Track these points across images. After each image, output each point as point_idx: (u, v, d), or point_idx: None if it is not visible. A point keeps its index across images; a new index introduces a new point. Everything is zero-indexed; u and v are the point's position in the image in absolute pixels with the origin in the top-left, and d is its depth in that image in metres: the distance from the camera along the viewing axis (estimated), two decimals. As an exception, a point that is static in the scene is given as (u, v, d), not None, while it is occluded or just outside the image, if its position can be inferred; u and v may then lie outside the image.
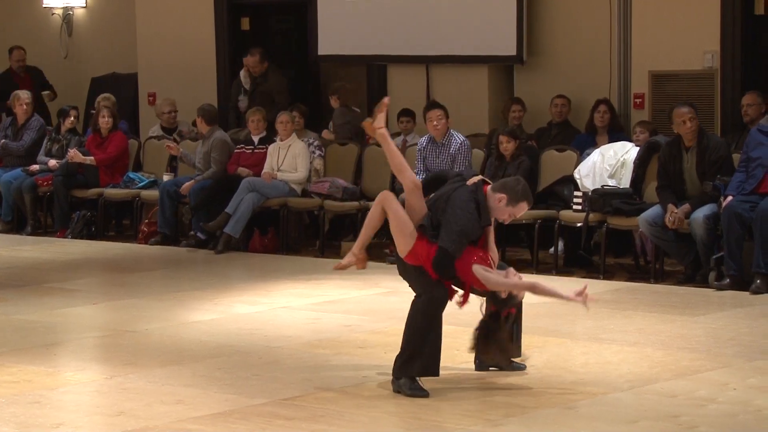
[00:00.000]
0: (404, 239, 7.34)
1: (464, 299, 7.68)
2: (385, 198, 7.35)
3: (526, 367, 7.91)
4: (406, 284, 9.36)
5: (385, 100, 8.11)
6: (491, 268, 7.51)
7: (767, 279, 10.10)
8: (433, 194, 7.76)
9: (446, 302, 7.63)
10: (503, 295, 7.49)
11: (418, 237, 7.34)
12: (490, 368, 7.84)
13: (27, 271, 11.94)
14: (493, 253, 7.54)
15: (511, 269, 7.82)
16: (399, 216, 7.22)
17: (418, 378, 7.39)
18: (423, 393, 7.26)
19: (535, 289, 7.52)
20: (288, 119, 13.01)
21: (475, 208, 7.36)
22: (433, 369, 7.50)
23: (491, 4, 14.18)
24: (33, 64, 17.56)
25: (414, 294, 7.77)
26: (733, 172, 10.58)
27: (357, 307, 10.20)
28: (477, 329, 7.57)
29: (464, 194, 7.48)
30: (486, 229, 7.55)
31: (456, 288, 7.77)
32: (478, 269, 7.35)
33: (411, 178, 7.42)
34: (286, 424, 6.82)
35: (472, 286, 7.60)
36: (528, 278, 7.92)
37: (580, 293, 7.04)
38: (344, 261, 7.99)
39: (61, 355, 8.66)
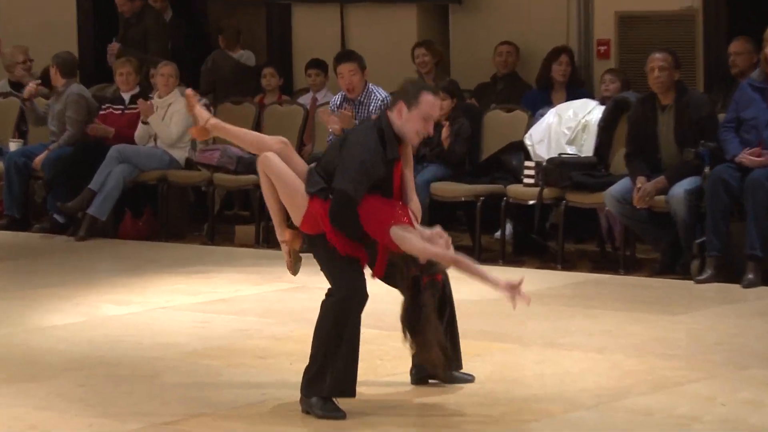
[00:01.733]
0: (295, 202, 7.26)
1: (378, 266, 7.54)
2: (263, 161, 7.23)
3: (474, 379, 7.81)
4: (317, 277, 9.43)
5: (189, 91, 7.88)
6: (412, 224, 7.37)
7: (761, 266, 10.05)
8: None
9: (364, 300, 7.42)
10: (422, 262, 7.47)
11: (311, 196, 7.38)
12: (429, 381, 7.72)
13: None
14: (415, 205, 7.45)
15: (438, 230, 7.44)
16: (283, 177, 7.14)
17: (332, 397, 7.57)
18: (338, 414, 7.19)
19: (459, 264, 7.36)
20: (171, 71, 12.97)
21: (377, 139, 7.31)
22: (348, 388, 7.42)
23: None
24: None
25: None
26: (714, 134, 10.51)
27: (255, 307, 10.10)
28: (403, 315, 7.32)
29: (363, 128, 7.59)
30: (403, 175, 7.46)
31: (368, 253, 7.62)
32: (395, 230, 7.16)
33: (272, 141, 7.36)
34: None
35: (390, 250, 7.52)
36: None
37: (514, 287, 6.89)
38: (287, 258, 7.82)
39: None
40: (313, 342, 7.48)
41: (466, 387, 7.81)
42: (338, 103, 12.09)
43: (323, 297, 7.60)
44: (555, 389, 7.34)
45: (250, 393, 7.80)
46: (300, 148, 12.79)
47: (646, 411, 7.16)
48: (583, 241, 12.15)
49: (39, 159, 12.79)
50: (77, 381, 8.02)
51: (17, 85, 14.53)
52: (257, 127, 13.05)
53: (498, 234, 11.65)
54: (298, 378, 7.50)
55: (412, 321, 7.43)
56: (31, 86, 13.36)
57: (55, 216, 12.60)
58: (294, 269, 7.85)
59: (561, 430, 6.90)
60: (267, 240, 12.49)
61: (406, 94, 7.34)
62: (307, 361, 7.51)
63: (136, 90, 13.11)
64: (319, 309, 7.47)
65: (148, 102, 12.71)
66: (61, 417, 7.24)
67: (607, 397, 7.20)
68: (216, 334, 9.27)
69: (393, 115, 7.30)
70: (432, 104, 7.32)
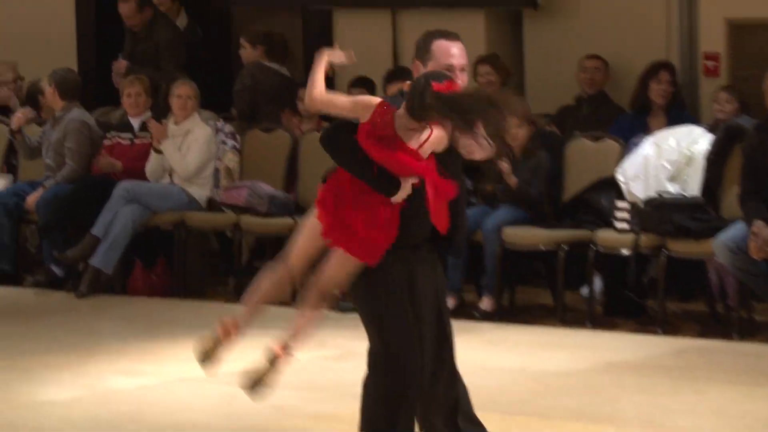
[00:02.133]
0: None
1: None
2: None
3: None
4: (365, 342, 9.50)
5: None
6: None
7: None
8: None
9: (416, 363, 7.17)
10: None
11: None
12: None
13: None
14: None
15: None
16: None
17: None
18: None
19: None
20: (189, 92, 12.89)
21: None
22: None
23: None
24: None
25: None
26: None
27: (292, 379, 9.69)
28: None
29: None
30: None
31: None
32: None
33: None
34: None
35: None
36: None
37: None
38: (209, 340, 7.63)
39: None
40: (360, 423, 7.29)
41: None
42: None
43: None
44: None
45: None
46: None
47: None
48: (689, 300, 11.89)
49: (32, 199, 12.74)
50: None
51: (4, 109, 14.55)
52: (293, 160, 13.02)
53: (585, 290, 11.43)
54: None
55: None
56: (19, 115, 13.36)
57: (52, 267, 12.55)
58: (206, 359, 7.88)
59: None
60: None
61: (419, 50, 7.31)
62: None
63: (148, 114, 13.00)
64: (362, 386, 7.27)
65: (162, 123, 12.63)
66: None
67: None
68: (245, 411, 9.03)
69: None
70: (445, 49, 7.26)
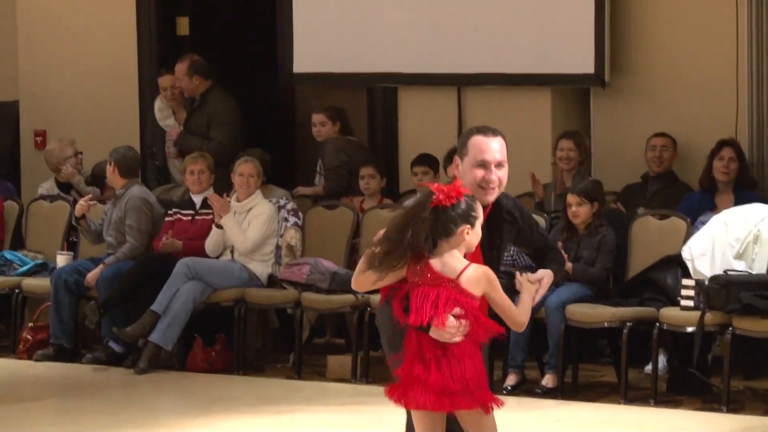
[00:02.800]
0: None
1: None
2: None
3: None
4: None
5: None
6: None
7: None
8: None
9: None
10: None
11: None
12: None
13: None
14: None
15: None
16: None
17: None
18: None
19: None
20: (252, 170, 12.92)
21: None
22: None
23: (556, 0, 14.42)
24: None
25: None
26: None
27: None
28: None
29: None
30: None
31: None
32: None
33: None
34: None
35: None
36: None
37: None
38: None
39: None
40: None
41: None
42: None
43: None
44: None
45: None
46: None
47: None
48: (755, 378, 11.75)
49: (92, 276, 12.76)
50: None
51: (66, 186, 14.66)
52: (355, 236, 13.09)
53: (649, 368, 11.36)
54: None
55: None
56: (82, 203, 13.33)
57: (111, 344, 12.54)
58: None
59: None
60: (366, 374, 12.35)
61: (459, 146, 7.64)
62: None
63: (210, 191, 13.04)
64: None
65: (225, 197, 12.67)
66: None
67: None
68: None
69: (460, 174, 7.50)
70: (480, 145, 7.51)
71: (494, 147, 7.74)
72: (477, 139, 7.52)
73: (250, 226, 12.90)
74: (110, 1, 16.75)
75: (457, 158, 7.51)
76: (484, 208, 7.43)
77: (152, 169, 15.39)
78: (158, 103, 15.16)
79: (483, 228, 7.30)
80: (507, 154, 8.98)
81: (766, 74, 13.49)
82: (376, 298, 12.10)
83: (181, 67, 14.69)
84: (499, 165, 7.67)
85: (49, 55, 16.54)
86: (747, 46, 13.50)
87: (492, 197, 7.65)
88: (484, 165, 7.47)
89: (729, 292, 10.83)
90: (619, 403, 11.02)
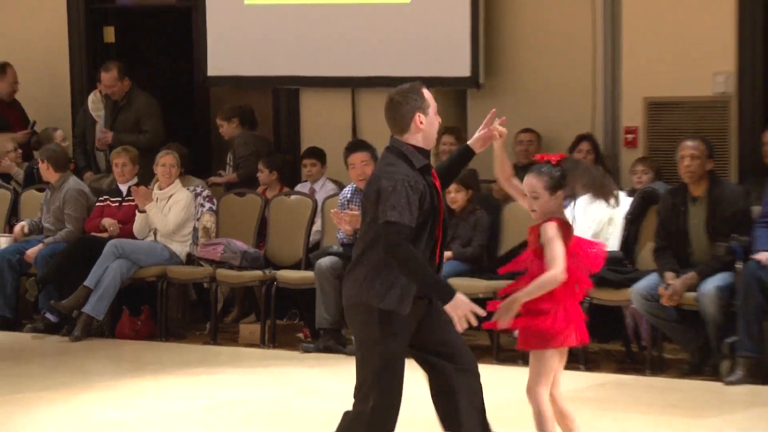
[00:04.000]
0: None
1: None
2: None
3: None
4: (332, 380, 10.49)
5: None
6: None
7: None
8: None
9: (394, 423, 7.42)
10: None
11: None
12: None
13: None
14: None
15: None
16: None
17: None
18: None
19: None
20: (172, 161, 13.06)
21: (403, 164, 7.36)
22: None
23: (436, 11, 14.16)
24: None
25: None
26: (748, 229, 10.58)
27: (263, 413, 10.03)
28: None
29: (383, 166, 7.50)
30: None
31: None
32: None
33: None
34: None
35: None
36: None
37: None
38: None
39: None
40: None
41: None
42: (348, 196, 12.27)
43: (345, 403, 7.56)
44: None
45: None
46: (308, 242, 12.95)
47: None
48: (608, 341, 12.00)
49: (32, 252, 12.82)
50: None
51: (5, 177, 14.58)
52: (263, 220, 13.15)
53: (516, 333, 11.42)
54: None
55: None
56: (17, 229, 13.23)
57: (48, 315, 12.61)
58: None
59: None
60: (273, 339, 12.47)
61: (414, 102, 7.35)
62: None
63: (134, 180, 13.14)
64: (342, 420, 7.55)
65: (147, 188, 12.73)
66: None
67: None
68: None
69: (410, 135, 7.32)
70: (430, 95, 7.56)
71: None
72: (427, 91, 7.41)
73: (171, 211, 12.96)
74: (45, 15, 16.33)
75: (419, 114, 7.19)
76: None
77: (80, 153, 15.12)
78: (92, 97, 14.99)
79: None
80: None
81: (618, 76, 13.52)
82: (282, 274, 12.72)
83: (110, 74, 14.61)
84: None
85: None
86: (602, 51, 13.56)
87: None
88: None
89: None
90: (492, 363, 11.07)
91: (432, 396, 7.48)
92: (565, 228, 7.65)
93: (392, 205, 7.11)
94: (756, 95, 13.30)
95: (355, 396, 7.46)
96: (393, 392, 7.33)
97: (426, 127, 7.35)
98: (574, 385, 10.39)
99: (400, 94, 7.44)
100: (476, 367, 7.54)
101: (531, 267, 7.70)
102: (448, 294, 7.25)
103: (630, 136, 13.42)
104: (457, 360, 7.50)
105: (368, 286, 7.30)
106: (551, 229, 7.47)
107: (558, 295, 7.61)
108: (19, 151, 14.95)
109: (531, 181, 7.73)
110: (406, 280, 7.31)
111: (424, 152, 7.41)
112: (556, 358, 7.70)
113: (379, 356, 7.30)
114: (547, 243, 7.53)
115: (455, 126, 13.75)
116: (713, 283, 10.20)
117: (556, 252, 7.48)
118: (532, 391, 7.69)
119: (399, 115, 7.38)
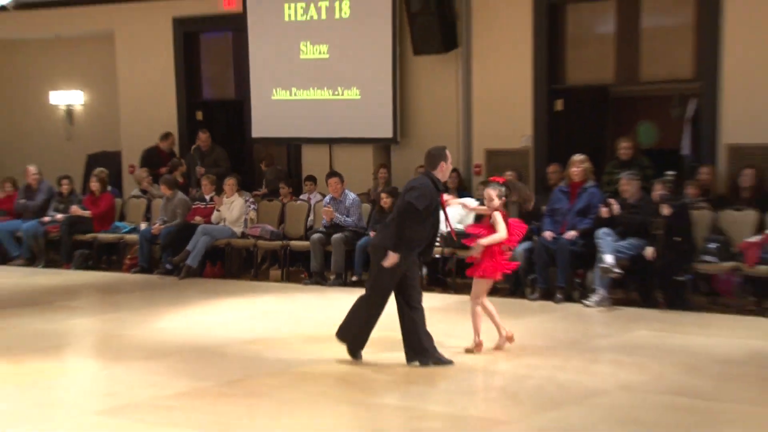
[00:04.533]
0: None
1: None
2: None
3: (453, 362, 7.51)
4: (313, 303, 10.31)
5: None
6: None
7: (565, 292, 10.09)
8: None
9: (382, 309, 7.47)
10: None
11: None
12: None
13: (40, 293, 11.67)
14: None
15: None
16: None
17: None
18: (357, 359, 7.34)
19: None
20: (233, 182, 13.03)
21: (430, 182, 7.31)
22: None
23: (374, 102, 13.78)
24: (44, 144, 17.28)
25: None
26: (540, 219, 10.48)
27: (282, 317, 10.05)
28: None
29: (420, 180, 7.46)
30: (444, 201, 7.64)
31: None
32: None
33: None
34: (228, 400, 6.71)
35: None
36: None
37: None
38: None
39: (66, 354, 8.60)
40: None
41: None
42: (327, 201, 12.16)
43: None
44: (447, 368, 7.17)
45: (279, 364, 7.54)
46: (306, 226, 12.66)
47: (494, 371, 7.12)
48: (467, 278, 10.61)
49: (157, 229, 12.51)
50: (179, 359, 7.93)
51: (144, 192, 14.25)
52: (281, 211, 12.75)
53: (424, 271, 10.87)
54: (307, 356, 7.63)
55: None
56: (157, 225, 12.79)
57: (167, 266, 12.37)
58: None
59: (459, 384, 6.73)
60: (288, 278, 12.22)
61: (442, 156, 7.46)
62: (305, 348, 7.83)
63: (213, 193, 12.88)
64: (359, 300, 7.40)
65: (220, 197, 12.61)
66: (170, 379, 7.15)
67: (486, 362, 7.11)
68: (260, 331, 9.10)
69: (437, 172, 7.38)
70: (449, 155, 7.60)
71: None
72: (448, 152, 7.42)
73: (233, 210, 12.62)
74: (167, 104, 15.69)
75: (442, 163, 7.26)
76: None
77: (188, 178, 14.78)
78: (193, 147, 14.53)
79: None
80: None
81: (471, 134, 12.95)
82: (293, 243, 12.19)
83: (205, 135, 14.22)
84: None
85: (136, 121, 15.57)
86: (462, 118, 12.96)
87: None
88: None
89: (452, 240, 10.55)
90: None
91: (399, 319, 7.36)
92: (504, 215, 7.76)
93: (416, 197, 7.13)
94: (542, 147, 12.50)
95: (366, 290, 7.47)
96: (385, 295, 7.29)
97: (444, 170, 7.44)
98: (447, 302, 10.21)
99: (436, 149, 7.58)
100: (420, 307, 7.43)
101: (486, 234, 7.69)
102: (397, 248, 7.12)
103: (477, 169, 12.83)
104: (407, 300, 7.36)
105: (388, 240, 7.26)
106: (499, 216, 7.60)
107: (494, 250, 7.68)
108: (150, 178, 14.50)
109: (488, 191, 7.79)
110: (407, 242, 7.23)
111: (440, 182, 7.41)
112: (486, 284, 7.79)
113: (386, 272, 7.23)
114: (496, 222, 7.61)
115: (383, 163, 13.33)
116: (522, 246, 9.85)
117: (502, 226, 7.58)
118: (473, 300, 7.77)
119: (433, 159, 7.42)
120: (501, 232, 7.73)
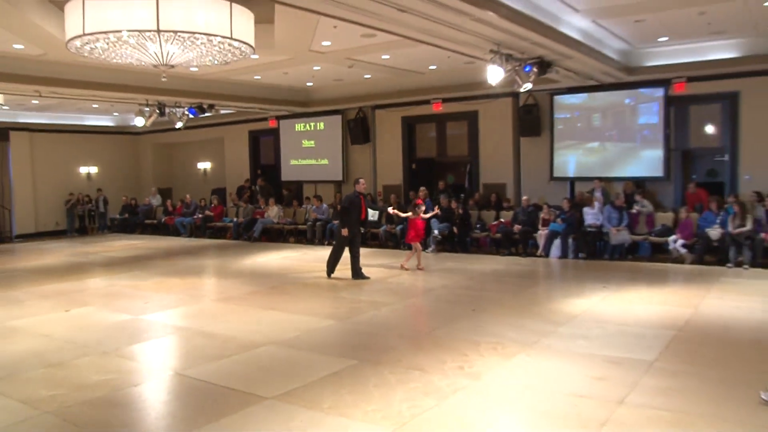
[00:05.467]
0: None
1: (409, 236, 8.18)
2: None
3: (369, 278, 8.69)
4: (309, 253, 12.06)
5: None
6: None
7: (425, 246, 10.52)
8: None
9: (342, 250, 8.74)
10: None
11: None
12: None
13: (199, 246, 14.47)
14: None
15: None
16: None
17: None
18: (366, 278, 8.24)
19: None
20: (273, 200, 16.18)
21: (355, 193, 8.25)
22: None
23: (334, 165, 18.37)
24: (193, 184, 22.29)
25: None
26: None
27: (295, 258, 12.43)
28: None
29: (349, 194, 8.68)
30: (365, 202, 7.99)
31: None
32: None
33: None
34: (271, 295, 7.88)
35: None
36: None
37: None
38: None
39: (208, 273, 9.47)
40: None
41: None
42: (315, 208, 15.30)
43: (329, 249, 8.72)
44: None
45: (296, 279, 8.91)
46: (306, 220, 15.93)
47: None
48: (408, 247, 12.17)
49: (240, 220, 15.64)
50: (250, 276, 9.54)
51: (236, 205, 17.85)
52: (294, 214, 15.73)
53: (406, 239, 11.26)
54: (315, 276, 8.94)
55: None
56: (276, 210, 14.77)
57: (245, 237, 15.74)
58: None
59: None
60: (297, 242, 15.36)
61: (356, 183, 8.70)
62: (319, 272, 8.66)
63: (265, 204, 16.67)
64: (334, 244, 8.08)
65: (268, 207, 15.60)
66: (245, 285, 8.32)
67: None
68: (289, 265, 11.28)
69: (357, 188, 8.85)
70: (364, 182, 8.24)
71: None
72: (363, 180, 7.95)
73: (273, 212, 15.58)
74: (243, 148, 20.31)
75: (359, 183, 7.71)
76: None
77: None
78: (258, 181, 18.49)
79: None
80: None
81: (377, 172, 17.41)
82: (300, 227, 14.88)
83: (261, 177, 17.55)
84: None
85: (237, 163, 20.13)
86: (372, 168, 16.95)
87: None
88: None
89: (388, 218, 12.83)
90: (402, 249, 13.01)
91: (350, 259, 9.11)
92: (422, 218, 9.11)
93: (344, 203, 8.45)
94: (407, 184, 16.91)
95: (333, 246, 9.21)
96: (341, 247, 9.06)
97: (360, 187, 8.92)
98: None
99: (357, 180, 8.87)
100: (358, 253, 8.77)
101: (416, 223, 9.60)
102: (343, 227, 8.53)
103: (379, 193, 17.52)
104: (351, 249, 9.03)
105: (341, 224, 8.88)
106: (421, 216, 9.24)
107: (418, 227, 9.68)
108: (237, 198, 18.28)
109: (419, 207, 9.07)
110: (347, 224, 8.52)
111: (359, 193, 8.64)
112: (417, 246, 9.67)
113: (341, 237, 8.93)
114: (420, 218, 9.28)
115: (339, 191, 16.90)
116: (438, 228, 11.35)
117: (422, 218, 9.36)
118: (412, 246, 9.59)
119: (356, 183, 9.05)
120: (421, 217, 8.72)
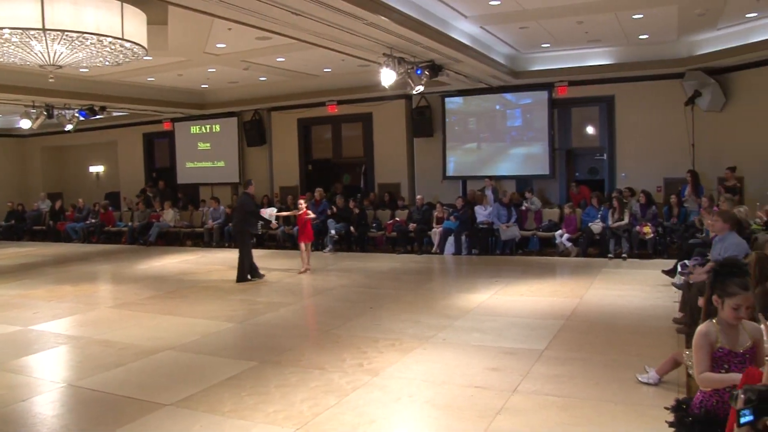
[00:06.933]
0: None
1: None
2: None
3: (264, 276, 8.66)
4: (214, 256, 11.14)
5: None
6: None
7: (322, 247, 11.05)
8: None
9: (250, 259, 8.25)
10: None
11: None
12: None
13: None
14: None
15: None
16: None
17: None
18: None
19: None
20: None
21: (248, 195, 7.97)
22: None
23: (231, 167, 18.34)
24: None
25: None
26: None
27: (199, 262, 11.66)
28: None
29: (242, 196, 7.61)
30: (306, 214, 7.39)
31: None
32: None
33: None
34: (169, 299, 7.87)
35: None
36: None
37: None
38: None
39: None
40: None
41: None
42: (211, 210, 14.50)
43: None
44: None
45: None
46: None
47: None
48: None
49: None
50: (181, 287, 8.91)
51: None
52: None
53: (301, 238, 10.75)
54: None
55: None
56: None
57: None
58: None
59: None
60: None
61: (249, 184, 8.33)
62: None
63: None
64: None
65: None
66: (145, 313, 7.97)
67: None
68: (191, 268, 10.88)
69: (248, 191, 8.51)
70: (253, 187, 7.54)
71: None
72: (252, 185, 7.42)
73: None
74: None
75: (251, 187, 7.48)
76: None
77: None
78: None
79: None
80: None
81: (273, 173, 17.14)
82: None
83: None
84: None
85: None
86: (268, 168, 16.71)
87: None
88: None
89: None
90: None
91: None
92: (308, 216, 9.06)
93: (239, 202, 8.02)
94: (303, 185, 17.01)
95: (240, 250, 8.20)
96: (247, 246, 8.86)
97: (250, 190, 8.55)
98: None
99: (247, 180, 8.63)
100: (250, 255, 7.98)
101: (306, 224, 9.30)
102: (249, 227, 8.48)
103: (276, 195, 17.11)
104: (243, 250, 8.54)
105: (245, 224, 8.70)
106: (308, 214, 9.12)
107: (308, 232, 9.53)
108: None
109: (300, 203, 8.92)
110: (250, 223, 8.31)
111: (252, 195, 8.51)
112: (301, 247, 9.14)
113: (245, 244, 8.79)
114: (307, 216, 9.18)
115: (236, 193, 16.66)
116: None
117: (309, 217, 9.24)
118: (302, 246, 9.41)
119: (246, 185, 8.80)
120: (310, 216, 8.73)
